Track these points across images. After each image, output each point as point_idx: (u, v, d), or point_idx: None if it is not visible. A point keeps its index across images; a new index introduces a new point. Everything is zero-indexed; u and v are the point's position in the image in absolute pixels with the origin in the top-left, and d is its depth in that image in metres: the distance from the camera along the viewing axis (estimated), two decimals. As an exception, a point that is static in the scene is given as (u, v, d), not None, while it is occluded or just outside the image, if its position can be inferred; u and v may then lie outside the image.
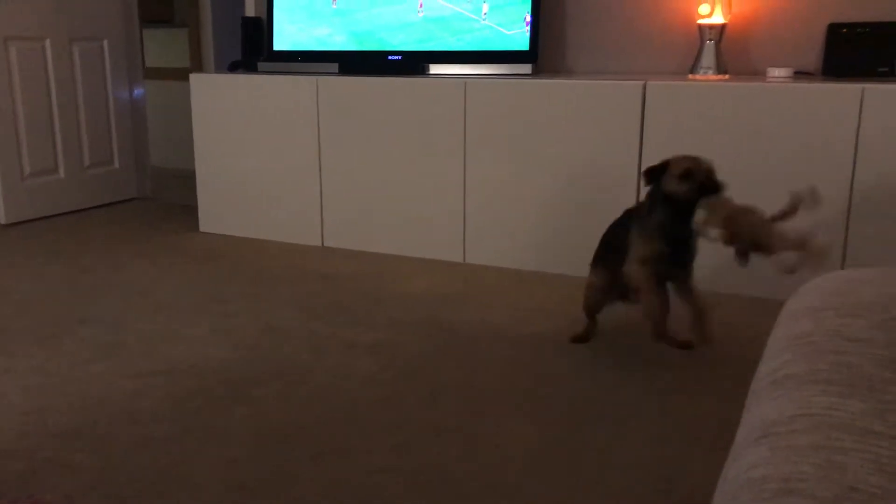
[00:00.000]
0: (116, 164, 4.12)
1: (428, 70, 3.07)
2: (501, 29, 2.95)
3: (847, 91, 2.37)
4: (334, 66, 3.21)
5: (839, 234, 2.44)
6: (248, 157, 3.32)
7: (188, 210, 3.89)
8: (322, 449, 1.63)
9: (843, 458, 0.69)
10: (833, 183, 2.42)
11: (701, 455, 1.60)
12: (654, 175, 1.97)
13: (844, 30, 2.63)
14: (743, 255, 1.86)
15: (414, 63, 3.09)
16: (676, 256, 1.98)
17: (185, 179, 4.66)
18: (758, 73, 2.86)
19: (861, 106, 2.36)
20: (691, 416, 1.77)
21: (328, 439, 1.67)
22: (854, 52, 2.62)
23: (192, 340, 2.22)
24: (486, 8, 2.96)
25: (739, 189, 2.53)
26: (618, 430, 1.71)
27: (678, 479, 1.52)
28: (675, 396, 1.87)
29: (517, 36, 2.94)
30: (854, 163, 2.40)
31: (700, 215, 1.88)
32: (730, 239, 1.85)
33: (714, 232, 1.86)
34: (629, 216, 2.07)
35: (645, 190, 2.02)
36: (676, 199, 1.91)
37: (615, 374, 1.99)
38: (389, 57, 3.13)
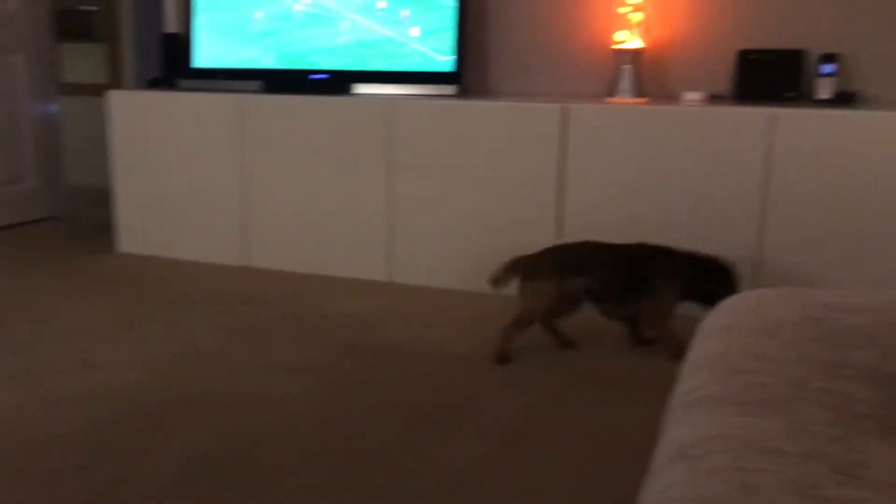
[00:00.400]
0: (30, 182, 3.96)
1: (353, 90, 3.06)
2: (431, 53, 2.97)
3: (757, 115, 2.47)
4: (257, 84, 3.18)
5: (752, 255, 2.53)
6: (169, 176, 3.25)
7: (105, 230, 3.77)
8: (243, 477, 1.59)
9: (757, 480, 0.71)
10: (745, 203, 2.51)
11: (628, 472, 1.63)
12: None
13: (753, 56, 2.75)
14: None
15: (339, 83, 3.08)
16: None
17: (103, 198, 4.52)
18: (673, 97, 2.95)
19: (771, 129, 2.46)
20: (620, 433, 1.80)
21: (249, 468, 1.63)
22: (763, 78, 2.73)
23: (107, 367, 2.15)
24: (415, 31, 2.98)
25: (655, 208, 2.61)
26: (547, 448, 1.72)
27: (606, 499, 1.54)
28: (604, 412, 1.90)
29: (443, 58, 2.96)
30: (765, 182, 2.49)
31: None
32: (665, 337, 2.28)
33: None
34: (651, 257, 2.24)
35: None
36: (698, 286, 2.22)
37: (545, 392, 2.01)
38: (314, 76, 3.12)
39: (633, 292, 2.21)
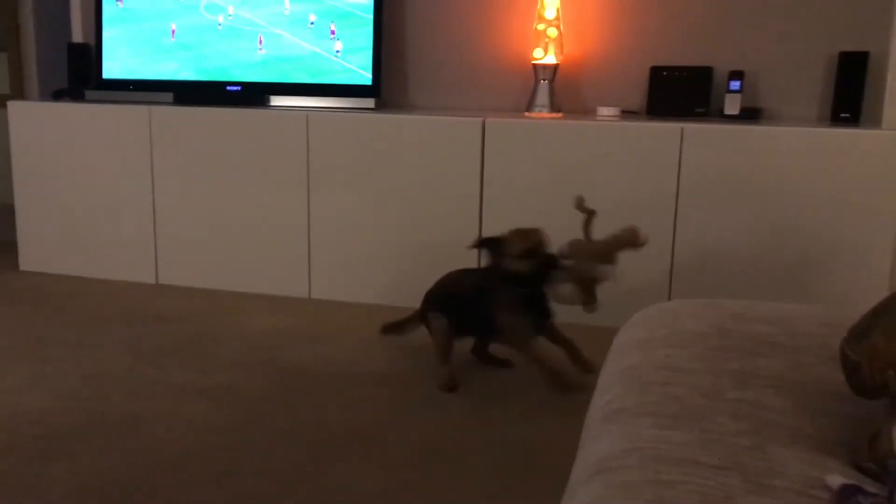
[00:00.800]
0: (-79, 198, 3.75)
1: (269, 102, 3.01)
2: (352, 67, 2.94)
3: (668, 129, 2.53)
4: (169, 96, 3.09)
5: (665, 265, 2.59)
6: (75, 191, 3.12)
7: (7, 247, 3.59)
8: (152, 504, 1.52)
9: (671, 493, 0.71)
10: (658, 214, 2.57)
11: (544, 488, 1.62)
12: (491, 248, 2.12)
13: (665, 73, 2.82)
14: (593, 298, 1.98)
15: (254, 94, 3.02)
16: (539, 316, 2.13)
17: (4, 214, 4.31)
18: (588, 112, 3.00)
19: (681, 143, 2.52)
20: (537, 448, 1.79)
21: (154, 495, 1.56)
22: (674, 94, 2.80)
23: (5, 390, 2.03)
24: (338, 46, 2.94)
25: (572, 220, 2.64)
26: (461, 465, 1.71)
27: (522, 512, 1.53)
28: (521, 428, 1.89)
29: (364, 73, 2.93)
30: (677, 195, 2.55)
31: (557, 296, 2.05)
32: (588, 298, 2.00)
33: (575, 299, 2.02)
34: (483, 279, 2.18)
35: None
36: (521, 275, 2.05)
37: (461, 408, 2.00)
38: (228, 87, 3.05)
39: (486, 326, 2.15)
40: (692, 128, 2.52)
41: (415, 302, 2.83)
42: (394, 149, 2.76)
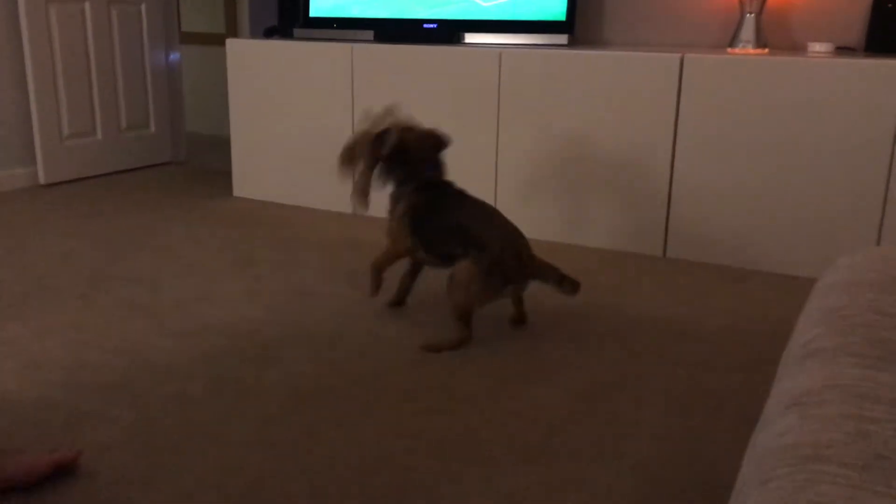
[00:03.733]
0: (152, 128, 4.16)
1: (463, 39, 3.06)
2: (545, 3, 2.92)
3: (890, 68, 2.32)
4: (369, 34, 3.21)
5: (876, 213, 2.41)
6: (283, 124, 3.34)
7: (222, 175, 3.93)
8: (349, 410, 1.66)
9: (871, 427, 0.70)
10: (870, 161, 2.39)
11: (726, 427, 1.61)
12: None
13: (890, 4, 2.58)
14: None
15: (449, 32, 3.07)
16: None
17: (220, 145, 4.70)
18: (798, 48, 2.81)
19: (904, 83, 2.31)
20: (715, 390, 1.77)
21: (356, 402, 1.70)
22: (899, 28, 2.56)
23: (224, 301, 2.26)
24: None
25: (774, 165, 2.51)
26: (643, 401, 1.72)
27: (702, 451, 1.52)
28: (701, 371, 1.87)
29: (555, 5, 2.91)
30: (894, 143, 2.36)
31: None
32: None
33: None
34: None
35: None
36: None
37: (640, 348, 1.99)
38: (425, 25, 3.12)
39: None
40: (918, 65, 2.30)
41: (589, 239, 2.83)
42: (587, 87, 2.72)
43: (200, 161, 4.35)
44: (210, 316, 2.15)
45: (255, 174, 3.47)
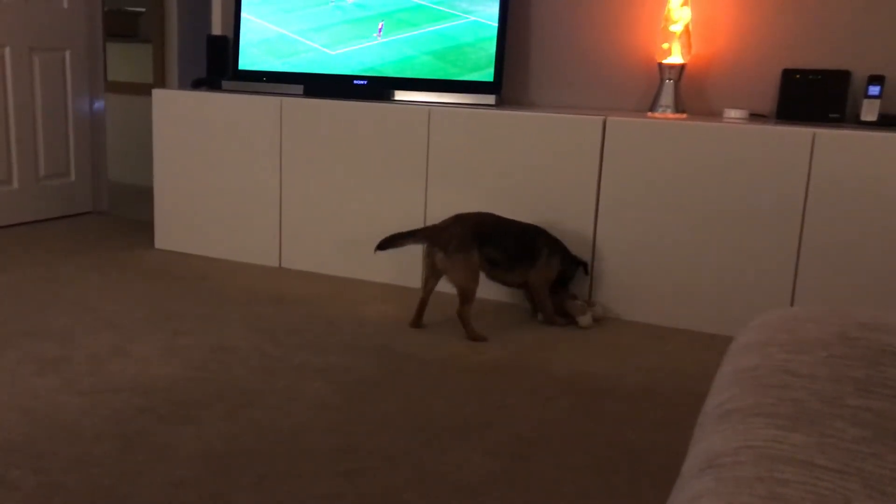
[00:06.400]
0: (73, 177, 4.05)
1: (393, 96, 3.08)
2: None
3: (799, 134, 2.44)
4: (299, 89, 3.21)
5: (789, 274, 2.50)
6: (208, 176, 3.29)
7: (144, 226, 3.84)
8: (267, 473, 1.60)
9: (785, 491, 0.70)
10: (783, 222, 2.48)
11: (649, 486, 1.61)
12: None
13: (798, 76, 2.72)
14: None
15: (379, 88, 3.10)
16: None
17: (143, 195, 4.60)
18: (714, 114, 2.93)
19: (812, 149, 2.43)
20: (642, 450, 1.78)
21: (274, 463, 1.64)
22: (807, 98, 2.70)
23: (139, 357, 2.18)
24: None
25: (691, 225, 2.58)
26: (564, 460, 1.71)
27: (626, 511, 1.52)
28: (625, 430, 1.88)
29: (483, 66, 2.97)
30: (804, 204, 2.46)
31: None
32: None
33: None
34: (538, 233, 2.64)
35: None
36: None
37: (562, 405, 2.00)
38: (355, 81, 3.14)
39: (525, 261, 2.56)
40: (825, 133, 2.42)
41: (511, 294, 2.84)
42: (513, 146, 2.77)
43: (123, 211, 4.24)
44: (123, 373, 2.07)
45: (179, 225, 3.40)
